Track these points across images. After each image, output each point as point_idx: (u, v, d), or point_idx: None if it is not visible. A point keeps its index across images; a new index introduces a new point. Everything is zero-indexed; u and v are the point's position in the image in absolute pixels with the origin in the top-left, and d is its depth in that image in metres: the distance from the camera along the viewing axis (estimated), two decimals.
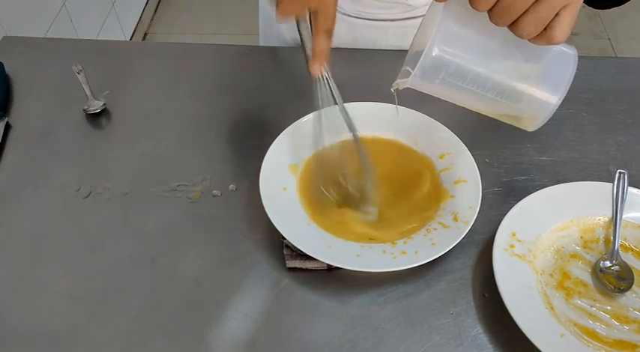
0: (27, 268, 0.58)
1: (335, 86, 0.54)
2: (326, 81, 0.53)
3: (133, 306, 0.55)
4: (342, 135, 0.61)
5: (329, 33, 0.50)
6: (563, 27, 0.42)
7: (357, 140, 0.58)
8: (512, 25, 0.42)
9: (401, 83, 0.51)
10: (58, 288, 0.57)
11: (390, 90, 0.53)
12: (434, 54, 0.45)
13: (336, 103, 0.55)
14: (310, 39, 0.51)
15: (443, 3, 0.44)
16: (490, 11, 0.42)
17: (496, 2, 0.41)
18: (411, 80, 0.47)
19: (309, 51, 0.52)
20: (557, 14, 0.41)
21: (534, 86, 0.47)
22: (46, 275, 0.57)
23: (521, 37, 0.43)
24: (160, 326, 0.54)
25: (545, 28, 0.42)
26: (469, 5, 0.42)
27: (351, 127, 0.57)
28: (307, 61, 0.52)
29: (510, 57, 0.46)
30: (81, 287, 0.57)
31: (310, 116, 0.65)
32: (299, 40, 0.52)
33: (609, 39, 2.25)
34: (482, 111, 0.51)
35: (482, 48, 0.46)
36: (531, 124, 0.50)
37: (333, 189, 0.61)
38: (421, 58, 0.45)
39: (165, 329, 0.54)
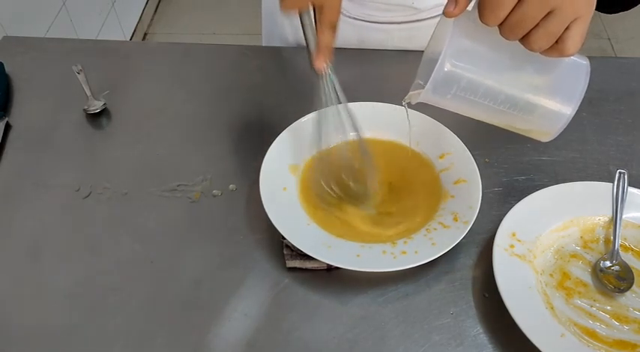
0: (27, 268, 0.58)
1: (338, 84, 0.54)
2: (329, 78, 0.53)
3: (132, 306, 0.55)
4: (344, 135, 0.61)
5: (334, 27, 0.49)
6: (575, 39, 0.42)
7: (359, 138, 0.58)
8: (524, 39, 0.42)
9: (413, 97, 0.51)
10: (58, 288, 0.57)
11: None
12: (446, 69, 0.45)
13: (339, 102, 0.55)
14: (314, 34, 0.50)
15: (453, 18, 0.44)
16: (500, 26, 0.42)
17: (506, 17, 0.41)
18: (423, 95, 0.47)
19: (312, 46, 0.51)
20: (567, 27, 0.41)
21: (547, 98, 0.47)
22: (45, 275, 0.57)
23: (532, 50, 0.42)
24: (159, 326, 0.54)
25: (556, 41, 0.42)
26: (479, 20, 0.42)
27: (354, 126, 0.57)
28: (310, 57, 0.51)
29: (522, 70, 0.46)
30: (81, 287, 0.57)
31: (311, 115, 0.65)
32: (302, 36, 0.51)
33: (609, 39, 2.25)
34: (495, 123, 0.51)
35: (493, 62, 0.46)
36: (545, 136, 0.50)
37: (335, 186, 0.60)
38: (433, 74, 0.45)
39: (165, 329, 0.54)
